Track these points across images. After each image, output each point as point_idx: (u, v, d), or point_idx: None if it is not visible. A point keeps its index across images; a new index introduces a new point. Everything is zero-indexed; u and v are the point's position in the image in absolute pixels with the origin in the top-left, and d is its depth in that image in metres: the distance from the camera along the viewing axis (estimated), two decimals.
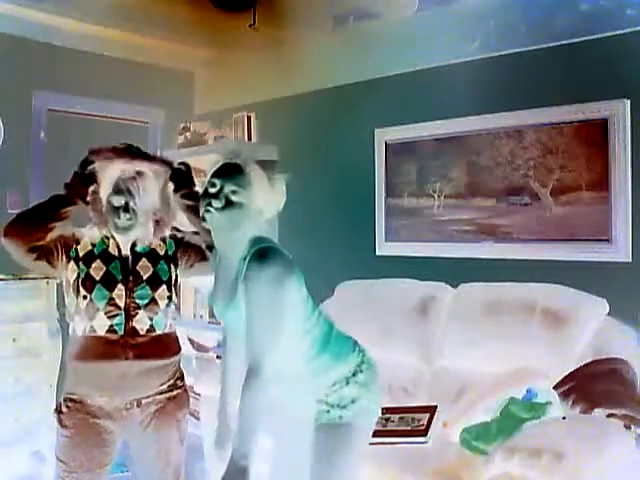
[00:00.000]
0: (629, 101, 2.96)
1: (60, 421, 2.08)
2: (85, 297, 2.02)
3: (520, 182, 3.31)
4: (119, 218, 2.05)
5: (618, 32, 2.98)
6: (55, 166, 4.26)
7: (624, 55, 2.97)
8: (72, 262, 2.07)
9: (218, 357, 4.31)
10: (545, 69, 3.23)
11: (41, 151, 4.23)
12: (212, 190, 1.87)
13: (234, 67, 4.67)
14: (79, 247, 2.08)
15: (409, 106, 3.75)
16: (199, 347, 4.56)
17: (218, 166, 1.92)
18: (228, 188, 1.85)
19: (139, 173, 2.07)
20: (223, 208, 1.84)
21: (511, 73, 3.34)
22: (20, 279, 3.57)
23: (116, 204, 2.04)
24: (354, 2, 3.69)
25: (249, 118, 4.48)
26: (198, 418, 3.55)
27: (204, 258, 2.20)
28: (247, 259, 1.83)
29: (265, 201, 1.91)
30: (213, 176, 1.90)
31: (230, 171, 1.88)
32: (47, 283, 3.64)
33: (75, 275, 2.05)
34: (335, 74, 4.07)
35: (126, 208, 2.04)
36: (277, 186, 1.94)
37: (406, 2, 3.57)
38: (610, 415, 2.35)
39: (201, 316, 4.56)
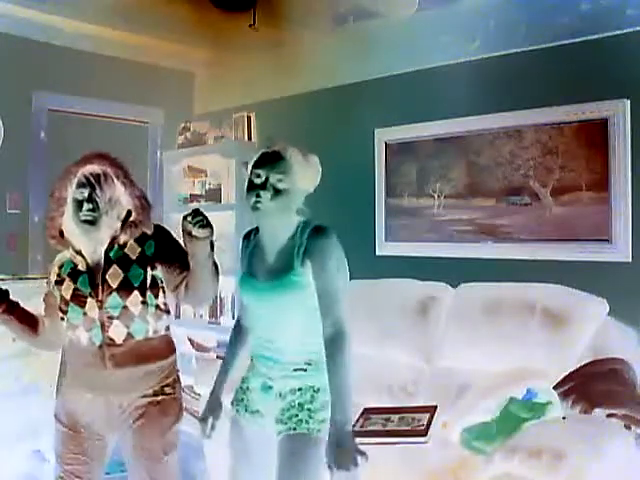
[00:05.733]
0: (629, 101, 2.96)
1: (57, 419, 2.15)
2: (62, 319, 2.06)
3: (520, 182, 3.31)
4: (81, 210, 2.02)
5: (618, 32, 2.98)
6: (55, 166, 4.23)
7: (624, 55, 2.97)
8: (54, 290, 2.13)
9: (218, 357, 4.31)
10: (545, 69, 3.23)
11: (41, 151, 4.23)
12: (258, 181, 1.91)
13: (234, 67, 4.67)
14: (51, 276, 2.14)
15: (409, 106, 3.75)
16: (199, 347, 4.56)
17: (258, 156, 1.95)
18: (273, 177, 1.90)
19: (102, 170, 2.05)
20: (272, 197, 1.89)
21: (511, 73, 3.34)
22: (20, 279, 3.56)
23: (79, 197, 2.03)
24: (354, 2, 3.69)
25: (249, 118, 4.49)
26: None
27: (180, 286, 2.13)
28: (306, 235, 1.91)
29: (306, 179, 1.96)
30: (255, 167, 1.93)
31: (272, 160, 1.92)
32: (47, 283, 3.63)
33: (57, 301, 2.10)
34: (335, 74, 4.07)
35: (89, 199, 2.02)
36: (312, 161, 1.99)
37: (406, 2, 3.57)
38: (610, 415, 2.35)
39: (201, 316, 4.56)
